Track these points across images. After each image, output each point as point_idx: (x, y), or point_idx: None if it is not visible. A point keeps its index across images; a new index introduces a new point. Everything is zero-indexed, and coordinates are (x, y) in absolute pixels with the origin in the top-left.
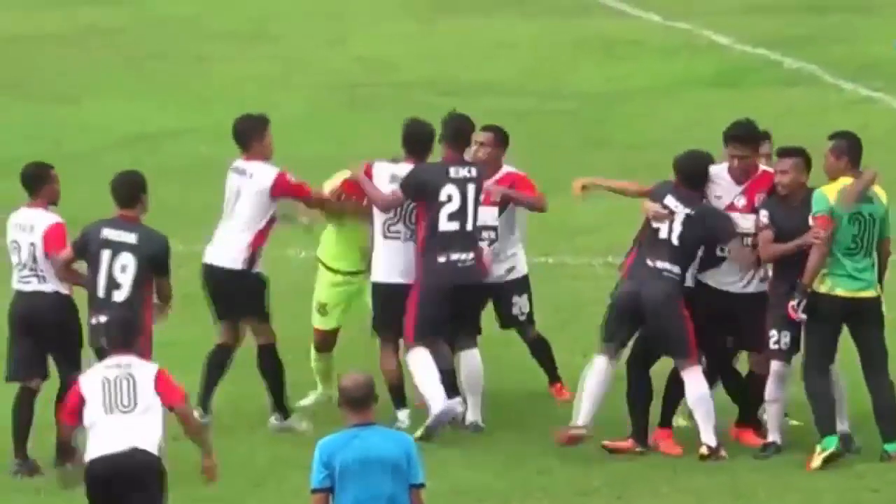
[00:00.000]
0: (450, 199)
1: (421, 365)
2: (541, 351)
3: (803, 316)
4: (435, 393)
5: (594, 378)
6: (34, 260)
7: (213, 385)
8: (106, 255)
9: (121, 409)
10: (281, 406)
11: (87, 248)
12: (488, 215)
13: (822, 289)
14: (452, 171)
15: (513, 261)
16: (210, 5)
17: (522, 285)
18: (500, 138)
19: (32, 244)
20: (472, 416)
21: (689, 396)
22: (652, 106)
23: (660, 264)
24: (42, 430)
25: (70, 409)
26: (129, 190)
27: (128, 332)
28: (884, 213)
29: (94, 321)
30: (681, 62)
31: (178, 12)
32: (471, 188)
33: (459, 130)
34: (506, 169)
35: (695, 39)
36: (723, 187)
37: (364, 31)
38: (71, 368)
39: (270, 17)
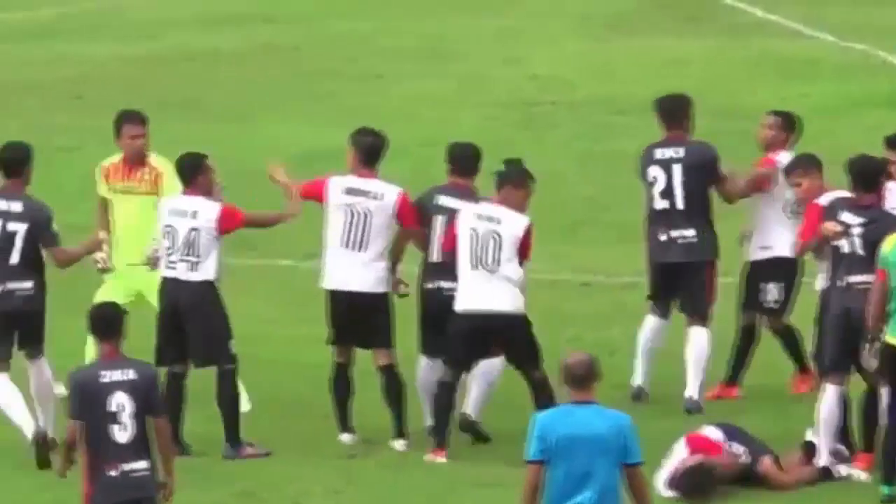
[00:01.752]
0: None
1: None
2: (786, 340)
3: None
4: None
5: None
6: (190, 246)
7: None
8: None
9: None
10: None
11: None
12: None
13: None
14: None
15: (766, 240)
16: (386, 23)
17: (776, 271)
18: (785, 123)
19: (194, 230)
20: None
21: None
22: (827, 126)
23: (853, 279)
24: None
25: None
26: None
27: None
28: None
29: None
30: (856, 83)
31: (353, 30)
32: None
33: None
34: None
35: (870, 60)
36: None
37: (539, 49)
38: (222, 358)
39: (446, 36)
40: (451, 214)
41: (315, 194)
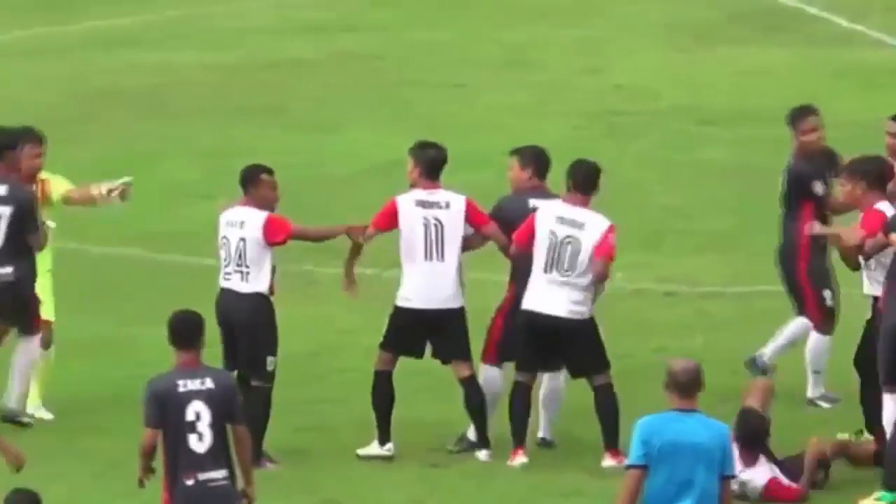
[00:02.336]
0: None
1: None
2: None
3: None
4: None
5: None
6: (241, 257)
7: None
8: None
9: None
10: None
11: None
12: None
13: None
14: None
15: None
16: (468, 32)
17: None
18: None
19: (242, 239)
20: None
21: None
22: None
23: None
24: None
25: None
26: None
27: None
28: None
29: None
30: None
31: (435, 39)
32: None
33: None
34: None
35: None
36: None
37: (623, 59)
38: (257, 374)
39: (529, 45)
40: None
41: (387, 220)
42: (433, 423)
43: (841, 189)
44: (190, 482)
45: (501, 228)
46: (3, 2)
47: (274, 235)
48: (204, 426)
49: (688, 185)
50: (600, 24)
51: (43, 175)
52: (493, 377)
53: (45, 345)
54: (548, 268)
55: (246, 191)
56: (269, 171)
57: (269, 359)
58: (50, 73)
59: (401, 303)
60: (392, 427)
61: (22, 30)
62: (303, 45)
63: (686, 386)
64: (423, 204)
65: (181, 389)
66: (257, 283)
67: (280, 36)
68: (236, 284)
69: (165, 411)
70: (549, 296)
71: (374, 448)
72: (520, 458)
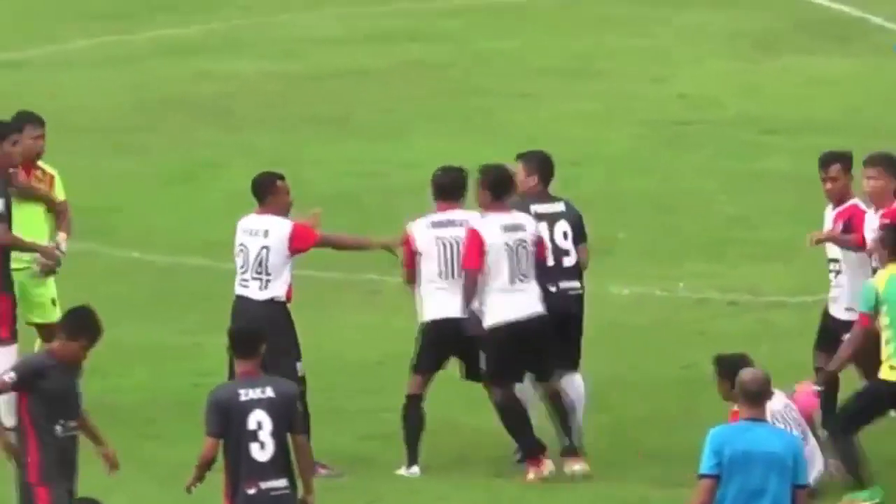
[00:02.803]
0: None
1: None
2: None
3: None
4: None
5: None
6: (261, 264)
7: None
8: None
9: None
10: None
11: None
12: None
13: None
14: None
15: None
16: (534, 41)
17: None
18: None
19: (265, 248)
20: None
21: None
22: None
23: None
24: None
25: None
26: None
27: None
28: None
29: None
30: None
31: (501, 48)
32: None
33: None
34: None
35: None
36: None
37: (687, 68)
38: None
39: (594, 54)
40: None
41: (408, 253)
42: (496, 431)
43: (871, 182)
44: (252, 491)
45: None
46: (69, 12)
47: (300, 243)
48: (265, 435)
49: (751, 195)
50: (665, 34)
51: (51, 169)
52: (524, 385)
53: None
54: (513, 278)
55: (263, 199)
56: (282, 178)
57: (298, 364)
58: (115, 81)
59: (425, 317)
60: (455, 435)
61: (87, 39)
62: (369, 53)
63: (756, 395)
64: (437, 224)
65: (243, 398)
66: (275, 289)
67: (346, 45)
68: (254, 292)
69: (227, 420)
70: (524, 300)
71: (402, 471)
72: (536, 471)
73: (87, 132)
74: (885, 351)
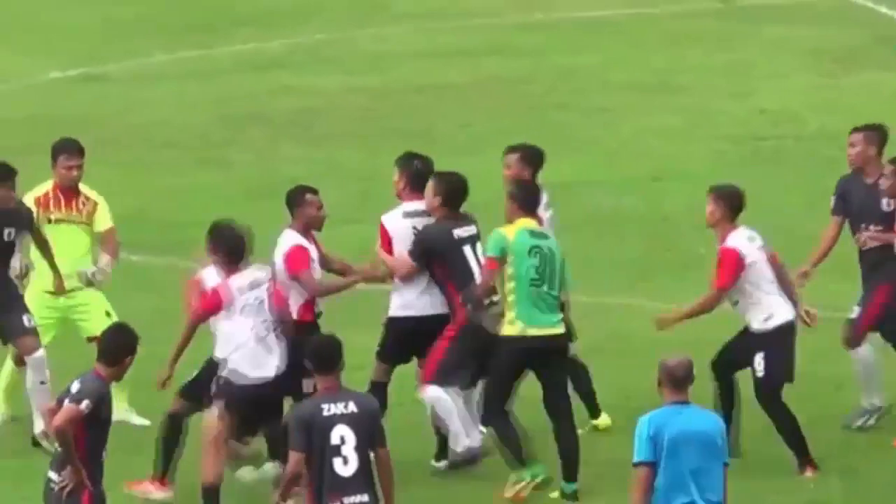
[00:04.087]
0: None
1: None
2: None
3: None
4: None
5: None
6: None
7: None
8: None
9: None
10: None
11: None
12: None
13: None
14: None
15: None
16: (614, 57)
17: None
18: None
19: (274, 262)
20: None
21: None
22: None
23: None
24: None
25: None
26: None
27: None
28: None
29: None
30: None
31: (581, 63)
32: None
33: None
34: None
35: None
36: None
37: (769, 84)
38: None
39: (675, 70)
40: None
41: (386, 244)
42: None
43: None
44: None
45: None
46: (150, 26)
47: (292, 267)
48: (349, 449)
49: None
50: (747, 49)
51: (94, 195)
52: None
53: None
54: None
55: (292, 212)
56: (314, 191)
57: (308, 381)
58: (197, 96)
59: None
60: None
61: (169, 53)
62: (449, 68)
63: (682, 380)
64: (410, 214)
65: (325, 413)
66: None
67: (426, 60)
68: None
69: (311, 436)
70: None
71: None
72: None
73: (170, 147)
74: (508, 305)
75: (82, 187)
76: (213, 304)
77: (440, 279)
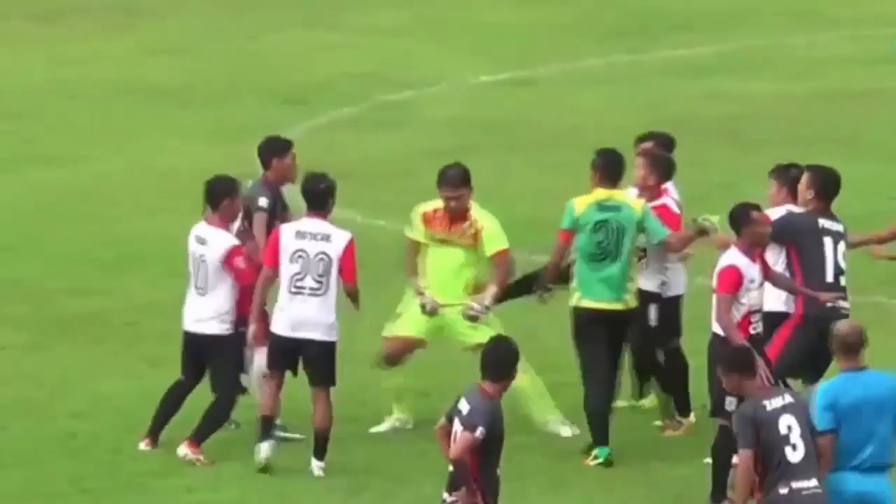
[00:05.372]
0: None
1: None
2: None
3: None
4: None
5: None
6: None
7: None
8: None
9: None
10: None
11: None
12: None
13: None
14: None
15: None
16: None
17: None
18: None
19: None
20: None
21: None
22: None
23: None
24: None
25: None
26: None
27: None
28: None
29: None
30: None
31: None
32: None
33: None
34: None
35: None
36: None
37: None
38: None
39: None
40: None
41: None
42: None
43: None
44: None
45: None
46: (582, 30)
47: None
48: (796, 437)
49: None
50: None
51: (485, 220)
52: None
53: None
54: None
55: (737, 231)
56: (758, 208)
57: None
58: (627, 100)
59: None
60: None
61: (600, 57)
62: (882, 74)
63: (853, 346)
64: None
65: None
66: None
67: (859, 65)
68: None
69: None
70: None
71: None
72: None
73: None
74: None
75: (473, 212)
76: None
77: (791, 265)
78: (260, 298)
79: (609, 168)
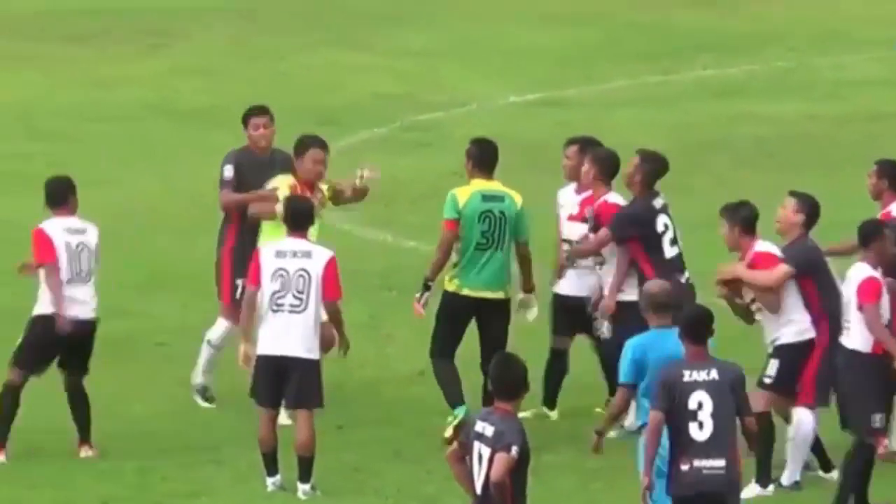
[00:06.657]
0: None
1: None
2: None
3: None
4: None
5: None
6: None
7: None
8: None
9: None
10: None
11: None
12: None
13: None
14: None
15: None
16: None
17: None
18: None
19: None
20: None
21: None
22: None
23: None
24: None
25: None
26: None
27: None
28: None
29: None
30: None
31: None
32: None
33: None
34: None
35: None
36: None
37: None
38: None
39: None
40: None
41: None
42: None
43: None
44: (685, 468)
45: None
46: (611, 52)
47: (861, 299)
48: (705, 415)
49: None
50: None
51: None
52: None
53: None
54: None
55: (865, 247)
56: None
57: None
58: (657, 121)
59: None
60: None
61: (629, 79)
62: None
63: (663, 305)
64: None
65: (686, 379)
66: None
67: (888, 87)
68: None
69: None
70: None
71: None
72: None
73: None
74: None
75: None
76: None
77: (806, 295)
78: (247, 320)
79: (483, 157)
